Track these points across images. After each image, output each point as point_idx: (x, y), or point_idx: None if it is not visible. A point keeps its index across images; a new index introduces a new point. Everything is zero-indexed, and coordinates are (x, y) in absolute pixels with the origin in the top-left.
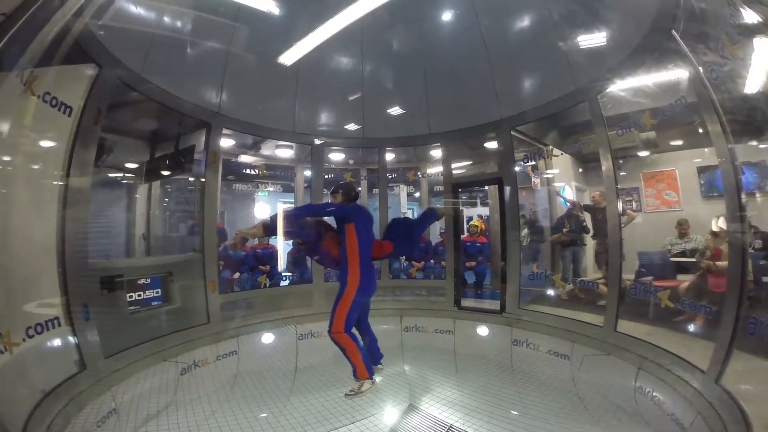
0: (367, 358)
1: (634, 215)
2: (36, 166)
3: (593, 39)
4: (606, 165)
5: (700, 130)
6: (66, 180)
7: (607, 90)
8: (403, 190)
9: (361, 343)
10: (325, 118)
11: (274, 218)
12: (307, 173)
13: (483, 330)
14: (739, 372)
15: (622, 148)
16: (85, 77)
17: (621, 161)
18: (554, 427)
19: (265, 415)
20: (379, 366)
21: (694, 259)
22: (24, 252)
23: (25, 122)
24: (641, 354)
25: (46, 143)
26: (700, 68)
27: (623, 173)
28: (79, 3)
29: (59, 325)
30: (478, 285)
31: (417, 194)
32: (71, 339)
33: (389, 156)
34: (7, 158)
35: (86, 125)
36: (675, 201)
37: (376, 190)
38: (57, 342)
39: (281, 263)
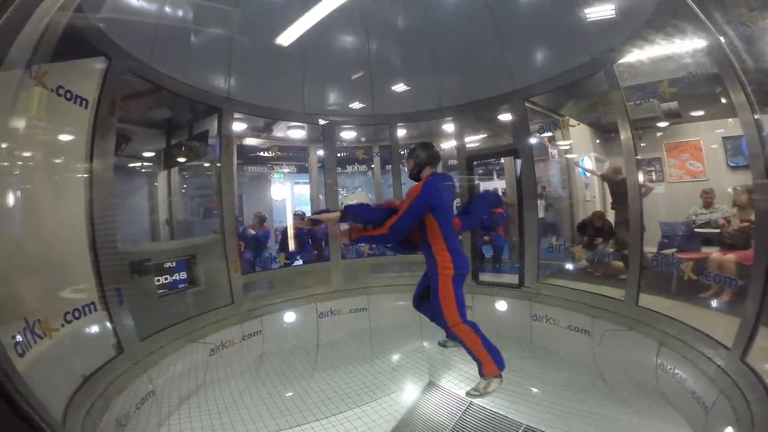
0: (495, 351)
1: (652, 187)
2: (59, 159)
3: (606, 7)
4: (625, 135)
5: (723, 100)
6: (90, 169)
7: (624, 60)
8: None
9: (482, 333)
10: (334, 97)
11: (353, 207)
12: (320, 153)
13: (502, 305)
14: (766, 349)
15: (642, 118)
16: (96, 70)
17: (641, 131)
18: (574, 404)
19: (290, 394)
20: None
21: (719, 230)
22: (56, 241)
23: (42, 116)
24: (663, 329)
25: (66, 136)
26: (721, 37)
27: (643, 144)
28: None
29: (96, 309)
30: (495, 259)
31: None
32: (108, 323)
33: (401, 132)
34: (29, 153)
35: (103, 116)
36: (700, 171)
37: (389, 167)
38: (94, 326)
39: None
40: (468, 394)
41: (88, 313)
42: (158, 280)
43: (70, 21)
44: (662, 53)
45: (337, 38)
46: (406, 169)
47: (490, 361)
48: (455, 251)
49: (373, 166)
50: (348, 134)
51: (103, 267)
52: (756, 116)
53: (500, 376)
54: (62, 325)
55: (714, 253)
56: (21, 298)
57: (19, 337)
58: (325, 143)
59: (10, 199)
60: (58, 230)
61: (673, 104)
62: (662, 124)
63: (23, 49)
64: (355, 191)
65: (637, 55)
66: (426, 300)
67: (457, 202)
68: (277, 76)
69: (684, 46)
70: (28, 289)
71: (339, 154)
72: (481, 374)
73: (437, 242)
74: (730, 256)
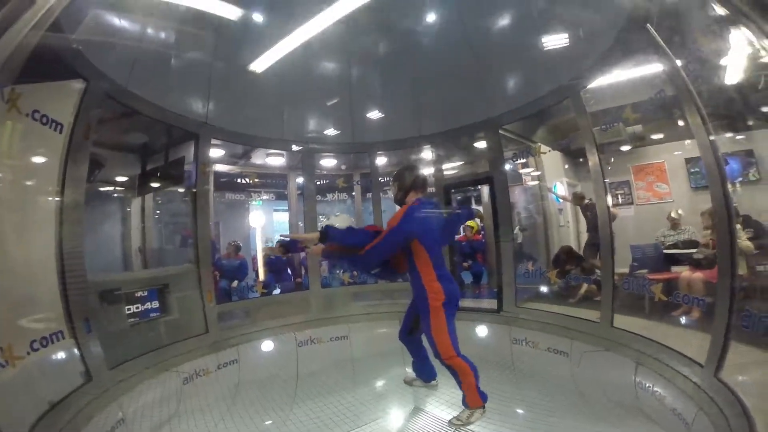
0: (477, 383)
1: (617, 212)
2: (30, 183)
3: (570, 36)
4: (592, 160)
5: (681, 123)
6: (61, 196)
7: (589, 86)
8: None
9: (473, 364)
10: (313, 124)
11: (331, 228)
12: (300, 180)
13: (482, 329)
14: (738, 365)
15: (608, 142)
16: (73, 92)
17: (609, 155)
18: (558, 425)
19: (269, 422)
20: (433, 383)
21: (686, 251)
22: (23, 268)
23: (14, 141)
24: (639, 349)
25: (38, 160)
26: (677, 61)
27: (610, 168)
28: (52, 17)
29: (63, 338)
30: (475, 284)
31: None
32: (75, 351)
33: (381, 160)
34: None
35: (77, 141)
36: (666, 192)
37: (369, 194)
38: (62, 354)
39: (261, 274)
40: (451, 423)
41: (56, 341)
42: (129, 309)
43: (45, 40)
44: (624, 78)
45: (316, 65)
46: (392, 193)
47: (476, 393)
48: (446, 279)
49: (353, 194)
50: (328, 162)
51: (71, 296)
52: (711, 137)
53: (483, 406)
54: (28, 353)
55: (683, 272)
56: None
57: None
58: (304, 171)
59: None
60: (25, 257)
61: (638, 127)
62: (627, 148)
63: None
64: (338, 215)
65: (601, 81)
66: (414, 333)
67: None
68: (256, 103)
69: (644, 71)
70: None
71: (318, 182)
72: (465, 404)
73: (426, 270)
74: (698, 275)
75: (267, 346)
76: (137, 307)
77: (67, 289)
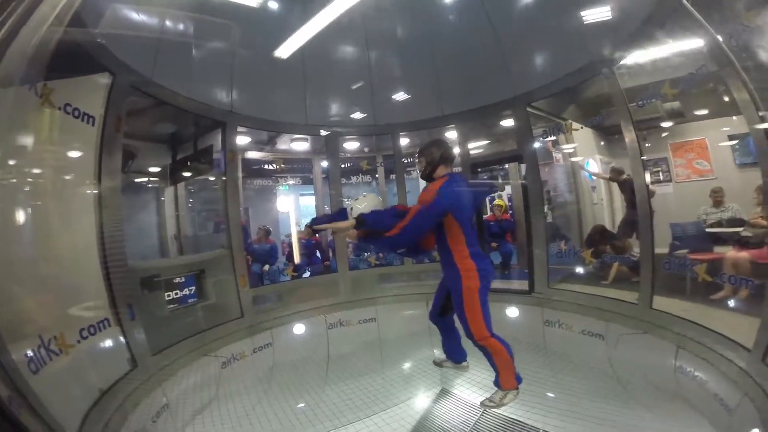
0: (513, 364)
1: (654, 189)
2: (69, 176)
3: (603, 9)
4: (629, 137)
5: (726, 99)
6: (98, 187)
7: (623, 62)
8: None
9: (508, 344)
10: (336, 107)
11: (370, 216)
12: (324, 164)
13: (513, 311)
14: None
15: (645, 119)
16: (101, 86)
17: (646, 132)
18: (592, 409)
19: (302, 405)
20: (464, 364)
21: (731, 229)
22: (68, 259)
23: (52, 134)
24: (679, 332)
25: (75, 153)
26: (719, 36)
27: (649, 144)
28: (71, 12)
29: (109, 325)
30: (504, 265)
31: None
32: (121, 338)
33: (404, 141)
34: (39, 170)
35: (109, 133)
36: (707, 170)
37: (393, 176)
38: (109, 342)
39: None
40: (483, 404)
41: (102, 329)
42: (168, 296)
43: (69, 35)
44: (662, 54)
45: (337, 49)
46: (418, 169)
47: (512, 375)
48: (479, 257)
49: (377, 176)
50: (351, 145)
51: (114, 284)
52: (761, 113)
53: (517, 388)
54: (78, 342)
55: (729, 252)
56: (34, 316)
57: (31, 354)
58: (328, 154)
59: (21, 216)
60: (69, 247)
61: (676, 104)
62: (666, 124)
63: (18, 65)
64: (365, 195)
65: (636, 57)
66: (446, 314)
67: None
68: (279, 89)
69: (683, 46)
70: (41, 306)
71: (343, 165)
72: (499, 386)
73: (459, 248)
74: (745, 255)
75: (299, 329)
76: (176, 293)
77: (110, 276)
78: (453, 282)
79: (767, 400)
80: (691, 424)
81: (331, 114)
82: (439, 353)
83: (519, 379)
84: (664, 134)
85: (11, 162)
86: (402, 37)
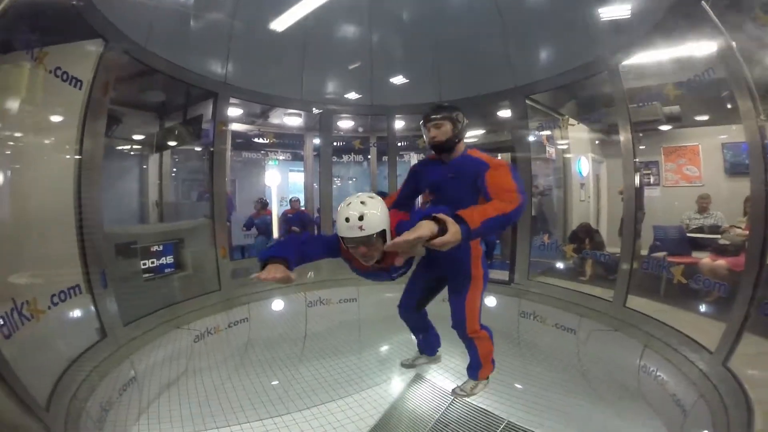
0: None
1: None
2: (50, 137)
3: (617, 8)
4: (624, 137)
5: (729, 106)
6: (80, 150)
7: (629, 61)
8: (413, 158)
9: (491, 331)
10: (332, 85)
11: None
12: (316, 141)
13: (491, 300)
14: (749, 355)
15: (642, 121)
16: (92, 52)
17: (641, 134)
18: (556, 401)
19: (276, 382)
20: (438, 354)
21: (711, 236)
22: (44, 221)
23: (38, 96)
24: (649, 331)
25: (59, 115)
26: (733, 42)
27: (642, 146)
28: None
29: (81, 292)
30: (488, 255)
31: None
32: (91, 307)
33: (399, 124)
34: (20, 133)
35: (96, 97)
36: (696, 176)
37: (385, 158)
38: (78, 310)
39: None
40: (454, 392)
41: (74, 296)
42: (144, 264)
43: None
44: (671, 55)
45: (338, 26)
46: (431, 136)
47: (489, 366)
48: (485, 244)
49: (369, 156)
50: (345, 123)
51: (87, 248)
52: (761, 123)
53: (488, 378)
54: (49, 308)
55: (705, 258)
56: (7, 279)
57: (5, 318)
58: (321, 132)
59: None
60: (45, 210)
61: (675, 108)
62: (664, 128)
63: (18, 31)
64: (371, 196)
65: (644, 57)
66: (421, 308)
67: None
68: (276, 63)
69: (694, 50)
70: (15, 269)
71: (335, 143)
72: (474, 376)
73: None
74: (721, 262)
75: (277, 305)
76: (152, 262)
77: (85, 241)
78: (461, 268)
79: (721, 402)
80: (646, 422)
81: (328, 91)
82: (406, 356)
83: (493, 365)
84: (657, 137)
85: None
86: (406, 18)
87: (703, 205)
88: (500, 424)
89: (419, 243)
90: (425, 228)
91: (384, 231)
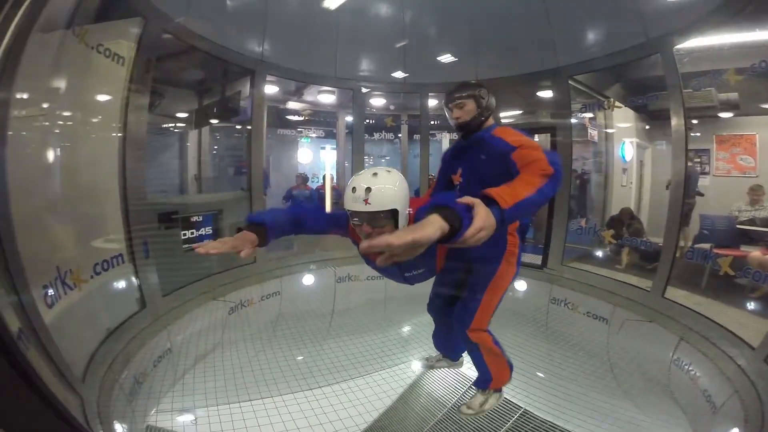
0: (509, 363)
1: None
2: (96, 114)
3: None
4: (676, 122)
5: None
6: (124, 124)
7: (685, 44)
8: (445, 137)
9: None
10: (366, 63)
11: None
12: (349, 119)
13: (520, 284)
14: None
15: (695, 107)
16: (133, 29)
17: (693, 121)
18: (577, 392)
19: (302, 357)
20: (461, 359)
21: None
22: (90, 191)
23: (85, 72)
24: (687, 324)
25: (103, 93)
26: None
27: (692, 133)
28: None
29: (123, 262)
30: (521, 239)
31: None
32: (133, 277)
33: (432, 102)
34: (68, 110)
35: (139, 73)
36: (751, 167)
37: (417, 136)
38: (120, 280)
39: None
40: (461, 411)
41: (116, 265)
42: (184, 234)
43: None
44: (733, 40)
45: (372, 4)
46: (454, 117)
47: (503, 374)
48: (522, 233)
49: (400, 135)
50: (377, 101)
51: (132, 218)
52: None
53: (501, 391)
54: (91, 277)
55: (755, 251)
56: (54, 248)
57: (50, 289)
58: (354, 110)
59: (51, 155)
60: (92, 181)
61: (733, 95)
62: (726, 115)
63: (64, 10)
64: (389, 170)
65: (702, 40)
66: (454, 303)
67: None
68: (311, 40)
69: (760, 34)
70: (62, 238)
71: (367, 121)
72: (484, 387)
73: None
74: None
75: (308, 279)
76: (192, 233)
77: (129, 210)
78: (490, 253)
79: (758, 398)
80: (669, 418)
81: (361, 69)
82: (428, 355)
83: (512, 367)
84: (710, 124)
85: (45, 105)
86: None
87: (756, 196)
88: (516, 412)
89: (417, 247)
90: (428, 228)
91: (395, 212)
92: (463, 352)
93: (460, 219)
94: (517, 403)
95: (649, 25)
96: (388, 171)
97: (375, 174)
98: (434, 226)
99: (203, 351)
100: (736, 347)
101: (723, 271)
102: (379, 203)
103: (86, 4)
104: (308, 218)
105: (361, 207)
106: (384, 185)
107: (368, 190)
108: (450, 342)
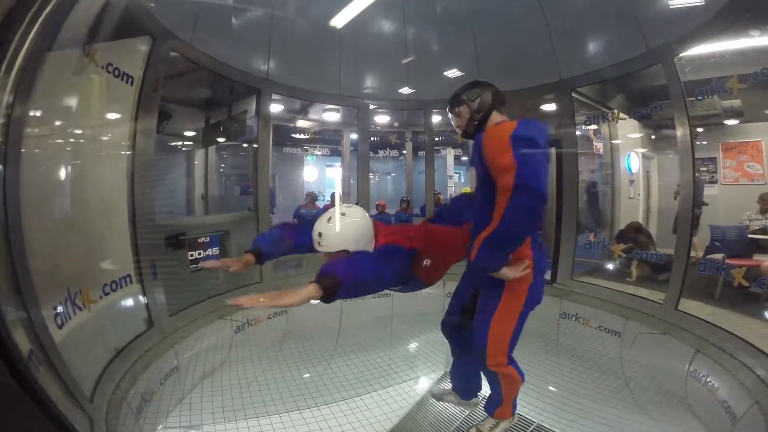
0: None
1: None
2: (106, 134)
3: None
4: (682, 132)
5: None
6: (133, 144)
7: (687, 53)
8: (449, 153)
9: (522, 371)
10: (370, 80)
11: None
12: (354, 136)
13: None
14: None
15: (699, 115)
16: (141, 49)
17: (698, 129)
18: (591, 407)
19: (308, 375)
20: (473, 401)
21: None
22: (99, 213)
23: (95, 94)
24: (702, 336)
25: (113, 112)
26: None
27: (698, 142)
28: None
29: (131, 282)
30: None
31: (465, 158)
32: (141, 297)
33: (436, 118)
34: (80, 128)
35: (147, 93)
36: (759, 174)
37: (422, 153)
38: (129, 300)
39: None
40: None
41: (124, 286)
42: (191, 255)
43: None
44: (734, 47)
45: (375, 21)
46: (455, 125)
47: (511, 405)
48: (540, 248)
49: (404, 151)
50: (382, 119)
51: (140, 239)
52: None
53: (513, 417)
54: (100, 297)
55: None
56: (64, 269)
57: (60, 308)
58: (359, 127)
59: (62, 174)
60: (101, 201)
61: (736, 102)
62: (731, 122)
63: (76, 30)
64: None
65: (703, 48)
66: (467, 326)
67: None
68: (315, 59)
69: (759, 41)
70: (71, 259)
71: (372, 138)
72: (490, 413)
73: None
74: None
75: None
76: (199, 253)
77: (137, 232)
78: (490, 281)
79: None
80: (687, 430)
81: (365, 86)
82: (438, 383)
83: (515, 409)
84: (715, 132)
85: (57, 123)
86: (443, 11)
87: (766, 206)
88: (529, 427)
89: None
90: (292, 297)
91: (347, 252)
92: (478, 392)
93: (339, 283)
94: (530, 418)
95: (648, 35)
96: (344, 214)
97: (329, 219)
98: (301, 295)
99: (210, 368)
100: (754, 357)
101: (737, 282)
102: (328, 246)
103: (97, 23)
104: (297, 237)
105: (318, 248)
106: (334, 231)
107: (320, 234)
108: (468, 381)
